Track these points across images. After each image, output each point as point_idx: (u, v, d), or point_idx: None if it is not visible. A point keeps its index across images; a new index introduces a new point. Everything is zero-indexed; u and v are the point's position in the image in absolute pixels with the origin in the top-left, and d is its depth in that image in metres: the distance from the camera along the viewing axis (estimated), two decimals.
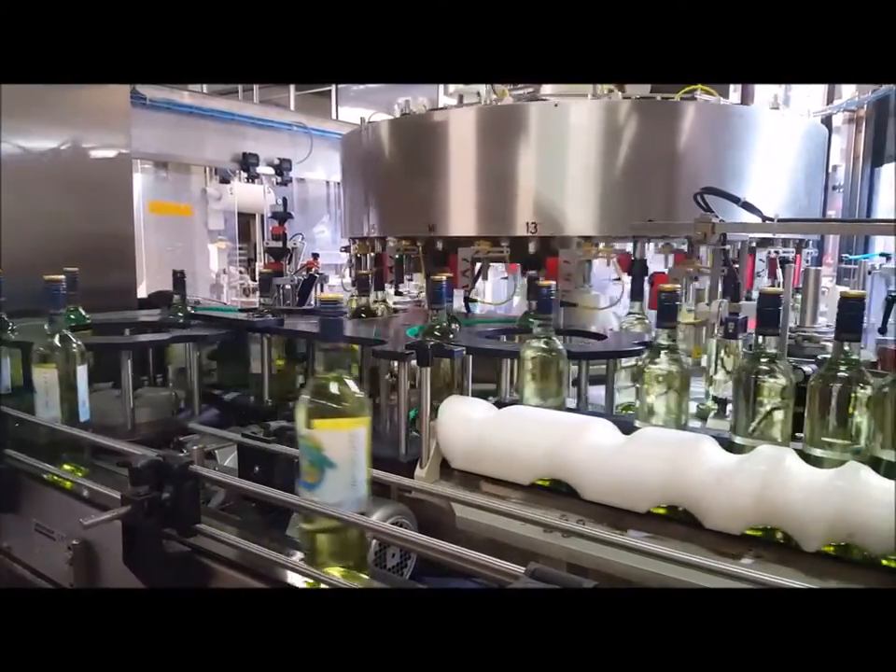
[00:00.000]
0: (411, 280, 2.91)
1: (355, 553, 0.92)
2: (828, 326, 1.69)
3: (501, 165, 2.39)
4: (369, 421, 0.90)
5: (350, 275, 3.18)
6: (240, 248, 7.65)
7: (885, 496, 0.87)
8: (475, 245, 2.41)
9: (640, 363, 1.29)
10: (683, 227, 1.98)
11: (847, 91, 6.57)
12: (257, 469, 1.24)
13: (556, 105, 2.34)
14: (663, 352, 1.25)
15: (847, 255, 5.05)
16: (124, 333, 1.97)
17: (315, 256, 5.91)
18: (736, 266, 1.90)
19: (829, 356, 1.13)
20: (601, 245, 2.33)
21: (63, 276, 1.42)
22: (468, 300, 2.54)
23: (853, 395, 1.07)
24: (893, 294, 2.15)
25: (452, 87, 3.10)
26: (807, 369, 1.23)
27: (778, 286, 2.20)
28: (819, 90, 6.60)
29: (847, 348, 1.07)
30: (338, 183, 5.93)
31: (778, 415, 1.15)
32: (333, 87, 9.20)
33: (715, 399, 1.58)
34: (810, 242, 2.74)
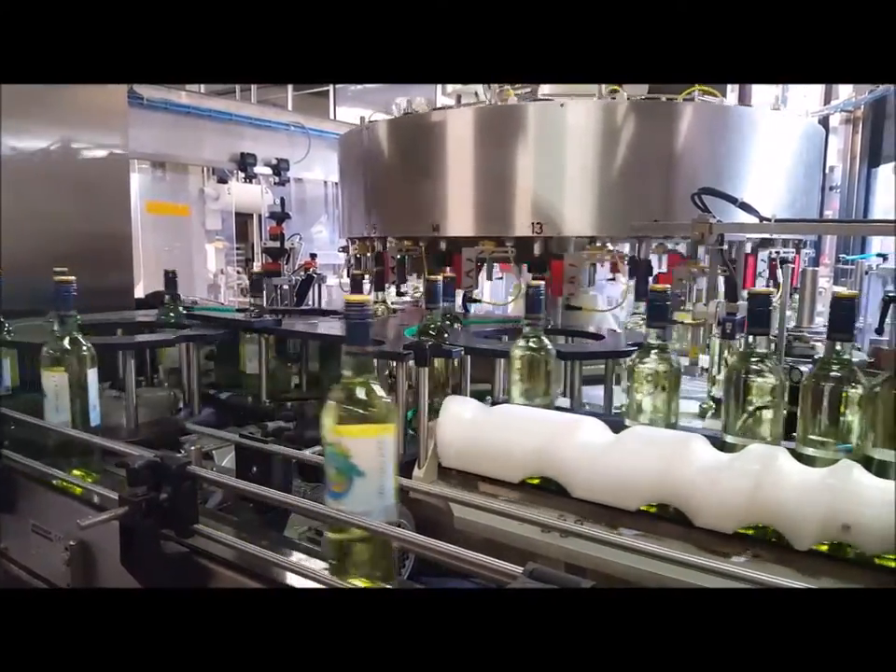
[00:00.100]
0: (419, 279, 2.89)
1: (383, 563, 0.89)
2: (824, 326, 1.70)
3: (504, 165, 2.39)
4: (396, 427, 0.88)
5: (348, 276, 3.18)
6: (237, 248, 7.64)
7: (877, 494, 0.88)
8: (479, 245, 2.41)
9: (631, 362, 1.30)
10: (683, 227, 1.98)
11: (844, 92, 6.58)
12: (254, 469, 1.24)
13: (562, 106, 2.33)
14: (653, 351, 1.26)
15: (843, 255, 5.07)
16: (116, 333, 1.96)
17: (313, 256, 5.90)
18: (734, 266, 1.91)
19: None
20: (608, 246, 2.34)
21: (73, 277, 1.38)
22: (466, 300, 2.54)
23: (844, 394, 1.08)
24: (890, 294, 2.16)
25: (450, 87, 3.10)
26: (805, 369, 1.24)
27: (779, 286, 2.20)
28: (816, 90, 6.61)
29: (838, 348, 1.08)
30: (336, 183, 5.93)
31: (768, 414, 1.16)
32: (331, 87, 9.19)
33: (713, 398, 1.59)
34: (808, 242, 2.74)
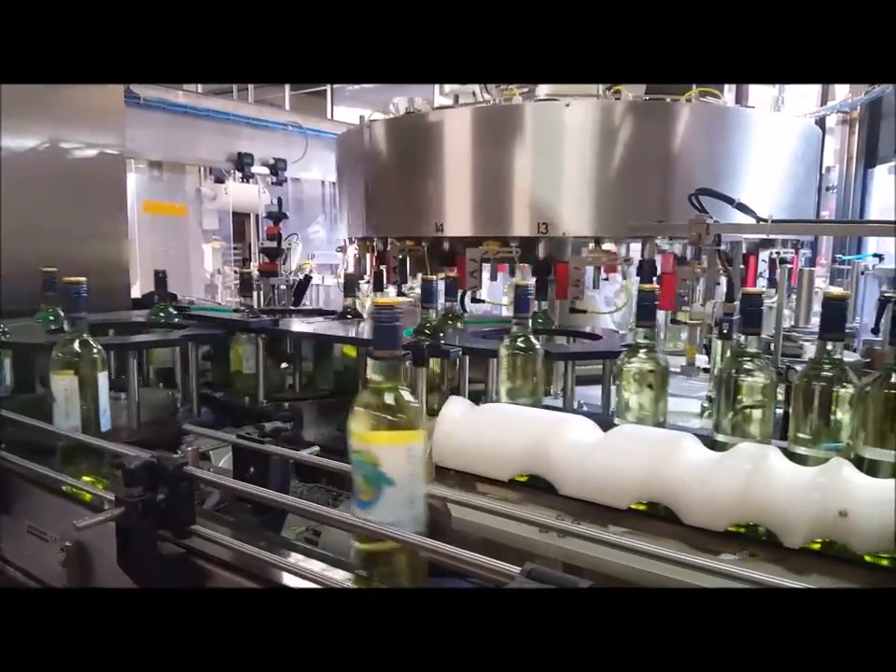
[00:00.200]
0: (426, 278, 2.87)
1: (413, 574, 0.87)
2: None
3: (507, 166, 2.39)
4: (425, 434, 0.86)
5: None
6: (235, 248, 7.63)
7: (868, 493, 0.88)
8: (484, 245, 2.41)
9: (619, 362, 1.31)
10: (680, 227, 1.98)
11: (841, 93, 6.60)
12: (252, 469, 1.23)
13: (568, 105, 2.33)
14: (641, 351, 1.27)
15: (840, 255, 5.09)
16: (108, 333, 1.95)
17: (311, 256, 5.89)
18: (731, 267, 1.91)
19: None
20: (611, 249, 2.34)
21: (84, 278, 1.35)
22: (463, 300, 2.54)
23: (835, 394, 1.09)
24: (886, 295, 2.17)
25: (447, 87, 3.10)
26: (801, 368, 1.25)
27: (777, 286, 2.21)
28: (813, 91, 6.64)
29: (830, 348, 1.09)
30: (333, 183, 5.93)
31: (757, 413, 1.17)
32: (328, 87, 9.19)
33: (709, 398, 1.59)
34: (805, 243, 2.75)
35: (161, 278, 2.12)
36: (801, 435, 1.12)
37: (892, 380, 1.03)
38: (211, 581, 0.95)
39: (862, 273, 3.63)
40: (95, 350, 1.35)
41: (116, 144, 2.55)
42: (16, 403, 1.54)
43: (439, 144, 2.52)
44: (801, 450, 1.11)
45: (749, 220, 1.99)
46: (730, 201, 2.03)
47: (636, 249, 2.42)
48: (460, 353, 1.47)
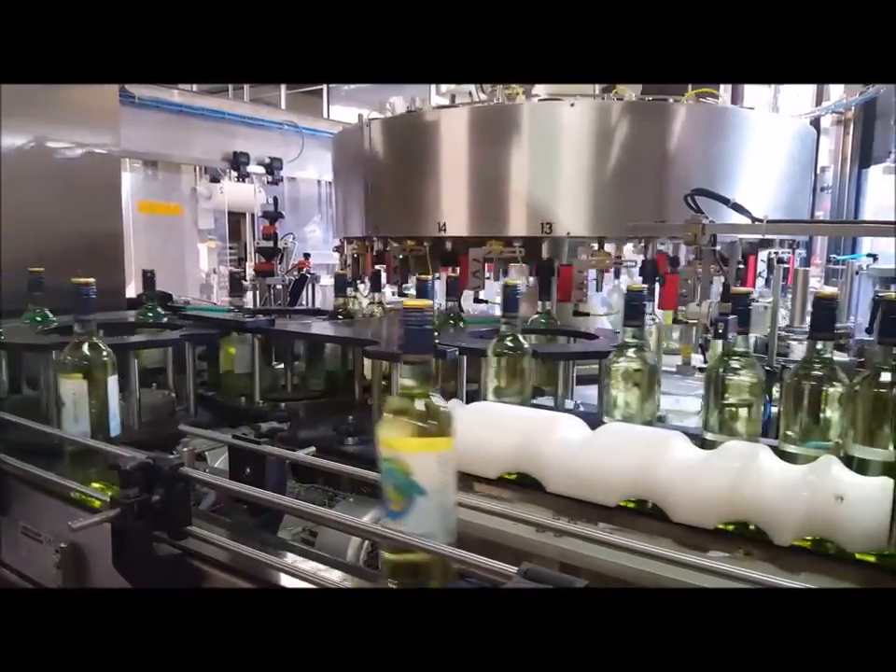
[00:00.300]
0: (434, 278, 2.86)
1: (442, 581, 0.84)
2: None
3: (508, 165, 2.39)
4: (455, 440, 0.82)
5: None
6: (230, 248, 7.61)
7: (856, 491, 0.89)
8: (487, 245, 2.40)
9: (608, 361, 1.31)
10: (676, 227, 1.99)
11: (836, 94, 6.63)
12: (248, 470, 1.23)
13: (572, 105, 2.33)
14: (629, 350, 1.28)
15: (834, 255, 5.10)
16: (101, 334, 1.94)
17: (307, 256, 5.88)
18: (727, 267, 1.92)
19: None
20: (611, 253, 2.34)
21: (93, 279, 1.32)
22: (459, 301, 2.54)
23: (825, 393, 1.10)
24: (881, 295, 2.18)
25: (444, 87, 3.09)
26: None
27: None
28: (808, 92, 6.66)
29: (819, 347, 1.10)
30: (329, 182, 5.91)
31: (743, 412, 1.17)
32: (324, 86, 9.17)
33: None
34: (800, 243, 2.76)
35: (149, 278, 2.11)
36: (791, 433, 1.13)
37: (881, 379, 1.04)
38: (207, 582, 0.95)
39: (857, 273, 3.64)
40: (105, 353, 1.32)
41: (110, 143, 2.54)
42: (7, 404, 1.53)
43: (440, 143, 2.52)
44: (791, 448, 1.12)
45: (745, 220, 2.00)
46: (725, 201, 2.03)
47: (628, 249, 2.42)
48: (457, 353, 1.46)
